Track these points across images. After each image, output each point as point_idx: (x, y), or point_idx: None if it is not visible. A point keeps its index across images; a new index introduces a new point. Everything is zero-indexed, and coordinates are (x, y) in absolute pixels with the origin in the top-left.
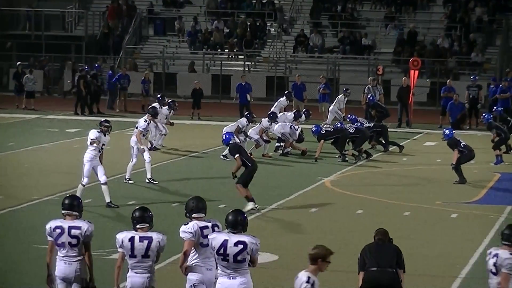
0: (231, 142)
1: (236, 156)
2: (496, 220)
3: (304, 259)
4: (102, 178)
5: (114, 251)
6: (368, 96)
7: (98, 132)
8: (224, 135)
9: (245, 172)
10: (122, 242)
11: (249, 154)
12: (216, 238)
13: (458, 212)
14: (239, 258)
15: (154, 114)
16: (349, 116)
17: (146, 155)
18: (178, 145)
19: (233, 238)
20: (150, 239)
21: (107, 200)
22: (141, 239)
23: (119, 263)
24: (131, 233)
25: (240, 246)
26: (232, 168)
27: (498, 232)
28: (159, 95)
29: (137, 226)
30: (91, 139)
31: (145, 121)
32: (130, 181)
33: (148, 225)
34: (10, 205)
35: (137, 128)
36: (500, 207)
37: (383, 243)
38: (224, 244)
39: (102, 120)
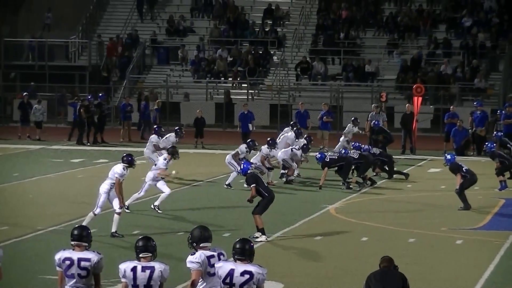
0: (249, 172)
1: (252, 186)
2: (501, 246)
3: (310, 287)
4: (117, 207)
5: (119, 281)
6: (373, 121)
7: (124, 169)
8: (242, 165)
9: (262, 202)
10: (125, 272)
11: (266, 184)
12: (223, 267)
13: (463, 238)
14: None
15: (173, 154)
16: (353, 144)
17: (167, 189)
18: (182, 174)
19: (240, 268)
20: (152, 269)
21: (113, 229)
22: (143, 269)
23: None
24: (134, 263)
25: (247, 276)
26: (247, 197)
27: (504, 258)
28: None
29: (140, 256)
30: (118, 177)
31: (165, 159)
32: (127, 210)
33: (151, 254)
34: (15, 235)
35: (155, 165)
36: (505, 232)
37: (388, 270)
38: (230, 273)
39: (127, 156)
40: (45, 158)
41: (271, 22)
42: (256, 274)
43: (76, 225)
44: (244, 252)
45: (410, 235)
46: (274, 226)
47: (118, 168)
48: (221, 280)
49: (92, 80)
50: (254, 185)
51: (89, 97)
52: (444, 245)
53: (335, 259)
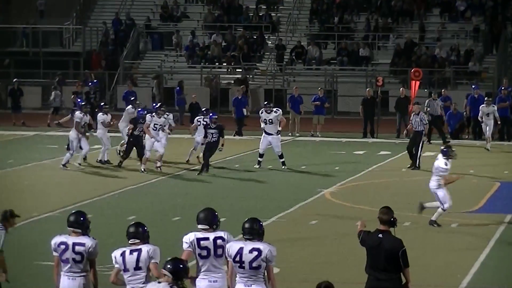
0: None
1: None
2: (496, 229)
3: (305, 271)
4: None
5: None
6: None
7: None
8: None
9: None
10: (115, 258)
11: None
12: (232, 246)
13: (458, 221)
14: (254, 264)
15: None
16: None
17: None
18: (177, 159)
19: (249, 245)
20: (139, 251)
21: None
22: (131, 252)
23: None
24: (124, 249)
25: (255, 253)
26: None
27: (499, 241)
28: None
29: (130, 242)
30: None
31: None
32: None
33: (139, 241)
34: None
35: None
36: (500, 215)
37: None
38: (239, 251)
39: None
40: (40, 144)
41: (265, 7)
42: (264, 250)
43: (73, 211)
44: (253, 231)
45: (405, 219)
46: (269, 211)
47: (441, 163)
48: (232, 258)
49: (86, 66)
50: None
51: (90, 83)
52: (439, 229)
53: (331, 244)
